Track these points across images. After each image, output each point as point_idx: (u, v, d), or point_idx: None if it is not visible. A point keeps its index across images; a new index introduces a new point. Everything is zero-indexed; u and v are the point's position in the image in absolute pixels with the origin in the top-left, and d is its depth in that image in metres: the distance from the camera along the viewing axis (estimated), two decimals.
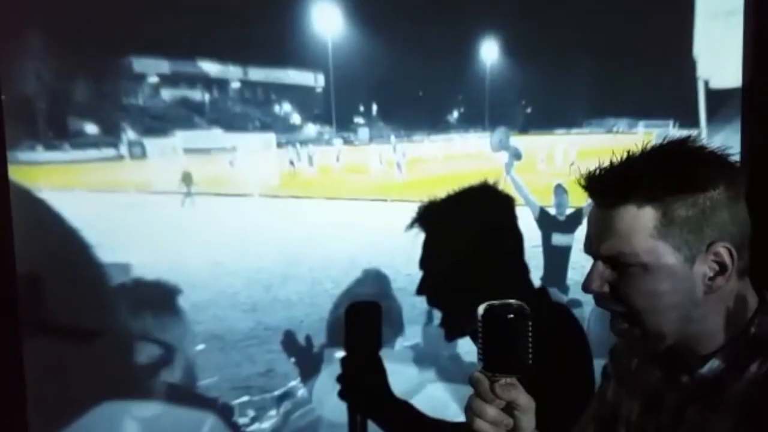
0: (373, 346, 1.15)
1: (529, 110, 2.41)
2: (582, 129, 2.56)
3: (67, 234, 1.74)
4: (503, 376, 0.71)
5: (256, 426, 2.10)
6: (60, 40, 1.65)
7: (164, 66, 1.80)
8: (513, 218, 1.27)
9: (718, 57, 2.25)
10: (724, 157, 0.78)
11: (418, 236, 1.27)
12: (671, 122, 2.88)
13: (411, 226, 1.28)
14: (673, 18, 2.31)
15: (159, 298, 1.84)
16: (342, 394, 1.15)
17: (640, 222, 0.74)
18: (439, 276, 1.24)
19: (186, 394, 1.93)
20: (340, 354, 1.56)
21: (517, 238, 1.27)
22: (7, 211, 1.50)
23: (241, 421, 2.06)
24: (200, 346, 2.00)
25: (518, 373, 0.72)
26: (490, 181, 1.30)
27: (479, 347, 0.72)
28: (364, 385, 1.13)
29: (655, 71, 2.33)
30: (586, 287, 0.78)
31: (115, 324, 1.79)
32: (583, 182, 0.79)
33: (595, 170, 0.79)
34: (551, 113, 2.46)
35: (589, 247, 0.79)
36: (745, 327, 0.77)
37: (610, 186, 0.77)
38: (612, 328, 0.81)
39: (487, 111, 2.42)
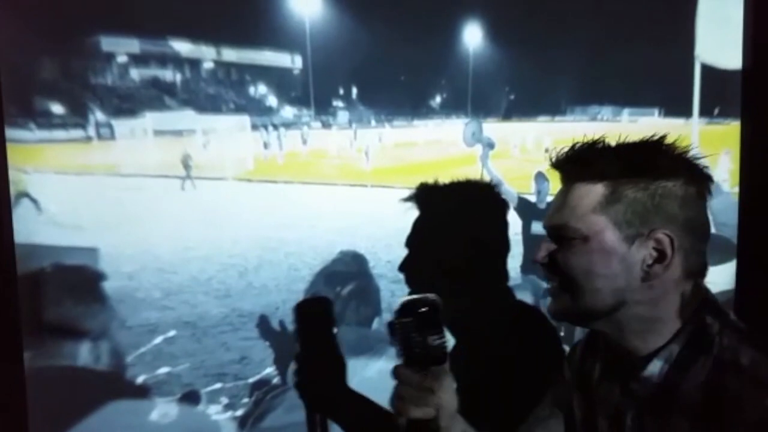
0: (327, 342, 1.13)
1: (512, 97, 2.38)
2: (565, 116, 2.54)
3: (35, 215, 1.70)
4: (424, 367, 0.76)
5: (229, 413, 2.08)
6: (27, 17, 1.59)
7: (134, 45, 1.75)
8: (505, 226, 1.27)
9: (716, 44, 2.23)
10: (692, 158, 0.78)
11: (400, 221, 1.26)
12: (656, 111, 2.87)
13: (407, 200, 1.27)
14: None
15: (126, 282, 1.81)
16: (299, 392, 1.12)
17: (589, 197, 0.76)
18: (423, 259, 1.20)
19: (155, 382, 1.90)
20: None
21: (504, 246, 1.25)
22: (7, 211, 1.48)
23: (213, 408, 2.04)
24: (171, 332, 1.97)
25: (437, 363, 0.76)
26: (493, 183, 1.28)
27: (399, 342, 0.76)
28: (320, 382, 1.11)
29: (645, 58, 2.31)
30: (533, 259, 0.82)
31: (84, 308, 1.76)
32: (551, 161, 0.82)
33: (561, 150, 0.82)
34: (534, 100, 2.43)
35: (545, 222, 0.82)
36: (685, 324, 0.77)
37: (569, 164, 0.79)
38: (549, 310, 0.83)
39: (470, 97, 2.38)
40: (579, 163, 0.79)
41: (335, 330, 1.13)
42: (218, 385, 2.03)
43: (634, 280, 0.76)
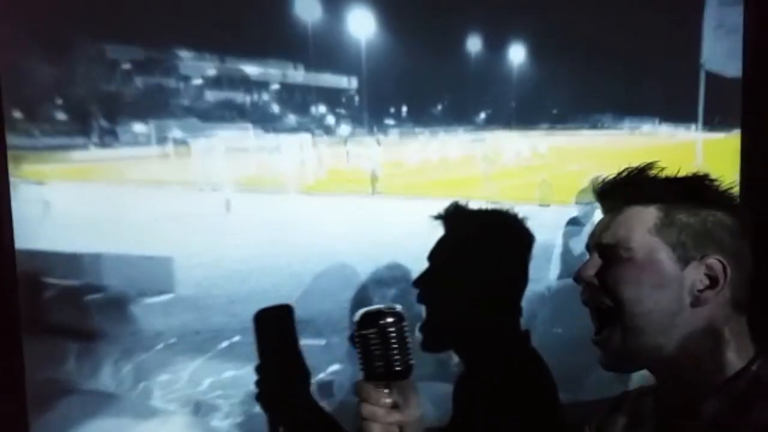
0: (290, 351, 1.07)
1: (555, 111, 2.46)
2: (566, 124, 2.58)
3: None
4: (386, 382, 0.70)
5: None
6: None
7: (210, 69, 1.88)
8: (527, 260, 1.22)
9: (722, 53, 2.26)
10: (735, 196, 0.79)
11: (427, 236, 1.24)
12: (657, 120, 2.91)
13: (438, 217, 1.27)
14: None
15: (196, 290, 1.91)
16: (260, 404, 1.06)
17: (642, 218, 0.77)
18: (439, 278, 1.17)
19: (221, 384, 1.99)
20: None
21: (524, 280, 1.22)
22: (8, 211, 1.49)
23: None
24: (236, 338, 2.07)
25: (400, 378, 0.70)
26: (523, 216, 1.23)
27: (360, 355, 0.70)
28: (282, 394, 1.06)
29: (654, 67, 2.35)
30: (578, 274, 0.78)
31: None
32: (594, 188, 0.80)
33: (606, 177, 0.81)
34: (578, 111, 2.50)
35: (590, 241, 0.81)
36: (745, 367, 0.75)
37: (618, 190, 0.79)
38: (594, 341, 0.80)
39: (513, 110, 2.47)
40: (632, 187, 0.78)
41: (298, 339, 1.08)
42: None
43: (684, 305, 0.75)
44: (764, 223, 0.85)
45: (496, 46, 2.34)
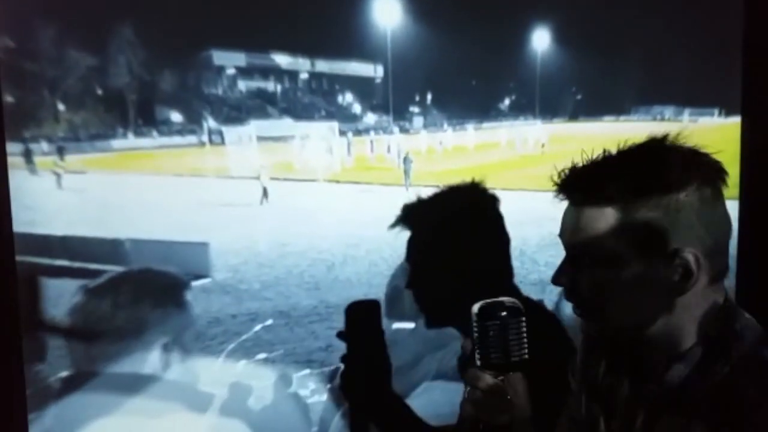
0: (375, 345, 1.09)
1: (579, 97, 2.47)
2: (630, 116, 2.61)
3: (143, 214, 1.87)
4: (500, 372, 0.71)
5: (315, 398, 2.23)
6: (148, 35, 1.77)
7: (241, 59, 1.92)
8: (500, 220, 1.22)
9: None
10: (700, 156, 0.73)
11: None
12: (716, 110, 2.89)
13: (395, 225, 1.24)
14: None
15: (231, 274, 1.96)
16: (344, 393, 1.10)
17: (604, 221, 0.73)
18: (426, 273, 1.20)
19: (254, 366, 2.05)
20: (397, 325, 1.64)
21: (503, 238, 1.22)
22: (8, 210, 1.51)
23: (302, 392, 2.18)
24: (269, 321, 2.12)
25: (515, 369, 0.72)
26: (477, 180, 1.24)
27: (478, 345, 0.71)
28: (365, 385, 1.09)
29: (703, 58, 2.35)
30: (554, 279, 0.77)
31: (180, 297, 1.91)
32: (555, 180, 0.75)
33: (566, 169, 0.82)
34: (600, 100, 2.51)
35: (561, 238, 0.77)
36: (705, 331, 0.73)
37: (577, 185, 0.75)
38: (582, 330, 0.79)
39: (538, 98, 2.48)
40: (587, 185, 0.74)
41: (383, 332, 1.13)
42: (307, 371, 2.17)
43: (661, 299, 0.73)
44: (765, 219, 0.80)
45: (559, 41, 2.34)
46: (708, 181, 0.70)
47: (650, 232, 0.71)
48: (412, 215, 1.17)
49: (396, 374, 1.25)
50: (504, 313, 0.71)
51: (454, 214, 1.15)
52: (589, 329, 0.76)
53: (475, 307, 0.71)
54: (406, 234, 1.47)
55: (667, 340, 0.73)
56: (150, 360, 1.76)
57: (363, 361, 0.97)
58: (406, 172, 2.13)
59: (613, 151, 0.74)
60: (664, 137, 0.69)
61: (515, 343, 0.71)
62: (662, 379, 0.73)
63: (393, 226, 1.17)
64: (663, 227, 0.71)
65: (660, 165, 0.71)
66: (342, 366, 1.06)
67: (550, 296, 2.23)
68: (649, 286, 0.71)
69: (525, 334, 0.71)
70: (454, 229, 1.13)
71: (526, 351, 0.71)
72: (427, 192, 1.18)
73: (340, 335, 1.04)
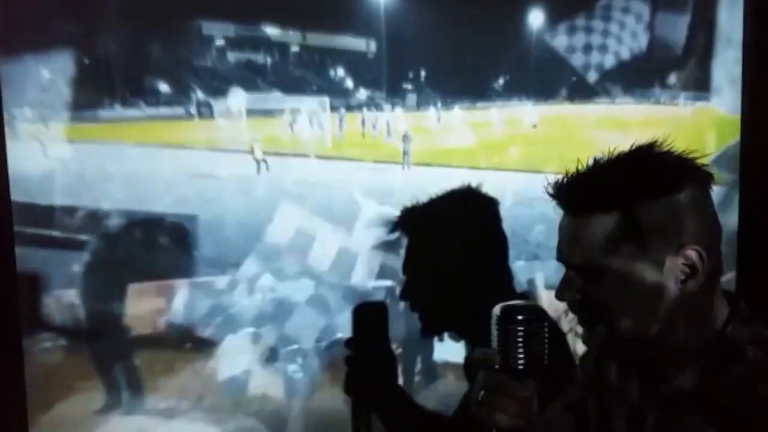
0: (381, 344, 1.13)
1: (574, 79, 2.45)
2: (624, 98, 2.59)
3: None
4: (521, 377, 0.73)
5: (301, 374, 2.23)
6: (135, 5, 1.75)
7: (230, 29, 1.90)
8: (498, 221, 1.23)
9: None
10: (690, 159, 0.77)
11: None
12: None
13: (392, 231, 1.25)
14: None
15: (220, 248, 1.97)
16: (348, 390, 1.14)
17: (606, 229, 0.75)
18: (422, 281, 1.21)
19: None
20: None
21: (502, 242, 1.23)
22: (8, 210, 1.49)
23: (290, 367, 2.19)
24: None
25: (535, 374, 0.74)
26: (474, 184, 1.24)
27: (500, 347, 0.73)
28: (370, 378, 1.12)
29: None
30: (558, 294, 0.79)
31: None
32: (549, 191, 0.80)
33: (561, 179, 0.79)
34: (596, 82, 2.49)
35: (560, 256, 0.80)
36: (718, 333, 0.77)
37: (574, 195, 0.78)
38: (586, 342, 0.83)
39: (533, 79, 2.47)
40: (585, 194, 0.77)
41: (389, 334, 1.15)
42: (295, 346, 2.19)
43: (668, 300, 0.76)
44: (765, 219, 0.84)
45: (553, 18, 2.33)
46: (700, 185, 0.75)
47: (654, 232, 0.73)
48: (409, 220, 1.17)
49: None
50: (528, 317, 0.73)
51: (451, 220, 1.16)
52: (594, 339, 0.81)
53: (497, 309, 0.73)
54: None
55: (677, 342, 0.77)
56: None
57: (369, 364, 1.10)
58: (406, 152, 2.13)
59: (604, 158, 0.78)
60: (653, 143, 0.74)
61: (538, 348, 0.73)
62: (674, 381, 0.77)
63: (391, 231, 1.17)
64: (666, 226, 0.73)
65: (656, 167, 0.74)
66: (348, 368, 1.07)
67: (538, 275, 2.23)
68: (656, 287, 0.74)
69: (547, 340, 0.73)
70: (452, 236, 1.16)
71: (547, 356, 0.74)
72: (424, 197, 1.17)
73: (348, 343, 1.07)
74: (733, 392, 0.73)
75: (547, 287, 2.19)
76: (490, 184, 1.31)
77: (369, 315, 1.15)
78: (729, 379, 0.74)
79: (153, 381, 1.93)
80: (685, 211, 0.75)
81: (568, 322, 2.07)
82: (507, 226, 1.30)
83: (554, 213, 0.86)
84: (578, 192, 0.77)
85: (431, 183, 2.32)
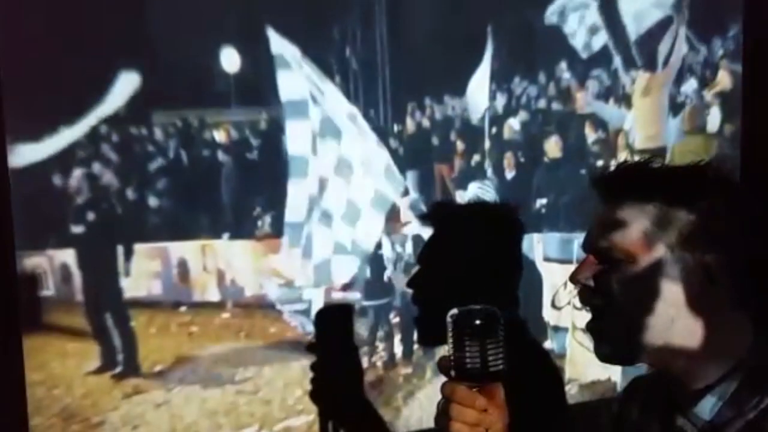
0: (346, 350, 1.12)
1: None
2: None
3: None
4: (478, 384, 0.70)
5: None
6: None
7: None
8: (520, 249, 1.23)
9: None
10: (737, 183, 0.78)
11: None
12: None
13: (423, 217, 1.26)
14: None
15: None
16: (314, 400, 1.11)
17: (639, 217, 0.75)
18: (433, 277, 1.19)
19: None
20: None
21: (517, 272, 1.22)
22: (8, 210, 1.47)
23: None
24: None
25: (492, 380, 0.70)
26: (513, 205, 1.24)
27: (453, 354, 0.70)
28: (335, 390, 1.10)
29: None
30: (573, 276, 0.77)
31: None
32: (593, 180, 0.80)
33: (605, 168, 0.92)
34: None
35: (586, 241, 0.79)
36: (740, 361, 0.74)
37: (615, 182, 0.78)
38: (587, 326, 0.80)
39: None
40: (630, 182, 0.76)
41: (354, 338, 1.12)
42: None
43: (683, 306, 0.74)
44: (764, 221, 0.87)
45: None
46: (741, 206, 0.75)
47: (685, 233, 0.73)
48: (438, 216, 1.24)
49: None
50: (481, 321, 0.69)
51: (480, 229, 1.17)
52: (602, 348, 0.75)
53: (451, 314, 0.70)
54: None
55: (693, 368, 0.74)
56: None
57: (335, 369, 1.06)
58: None
59: (649, 158, 0.78)
60: (709, 162, 0.75)
61: (492, 352, 0.68)
62: (692, 411, 0.73)
63: (421, 218, 1.20)
64: (697, 230, 0.73)
65: (701, 172, 0.76)
66: (312, 374, 1.08)
67: None
68: (675, 289, 0.72)
69: (502, 343, 0.69)
70: (475, 246, 1.16)
71: (503, 361, 0.69)
72: (461, 199, 1.18)
73: (311, 348, 1.11)
74: (755, 425, 0.70)
75: None
76: None
77: (334, 318, 1.14)
78: (753, 411, 0.71)
79: None
80: (722, 223, 0.74)
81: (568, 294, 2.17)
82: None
83: None
84: (619, 179, 0.78)
85: None
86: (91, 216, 1.84)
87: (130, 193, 1.92)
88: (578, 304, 0.81)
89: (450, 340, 0.70)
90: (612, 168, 0.78)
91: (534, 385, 1.02)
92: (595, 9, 2.44)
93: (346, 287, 2.16)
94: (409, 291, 1.26)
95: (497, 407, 0.71)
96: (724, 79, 2.37)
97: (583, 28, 2.39)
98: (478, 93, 2.32)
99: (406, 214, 2.19)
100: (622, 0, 2.43)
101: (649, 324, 0.73)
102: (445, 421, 0.71)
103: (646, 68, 2.48)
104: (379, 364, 2.21)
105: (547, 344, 2.37)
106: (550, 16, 2.37)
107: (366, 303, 2.17)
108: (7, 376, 1.46)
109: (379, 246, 2.22)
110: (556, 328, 2.38)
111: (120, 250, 1.91)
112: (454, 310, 0.70)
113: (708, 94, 2.41)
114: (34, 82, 1.69)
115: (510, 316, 1.16)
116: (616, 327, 0.74)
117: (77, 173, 1.82)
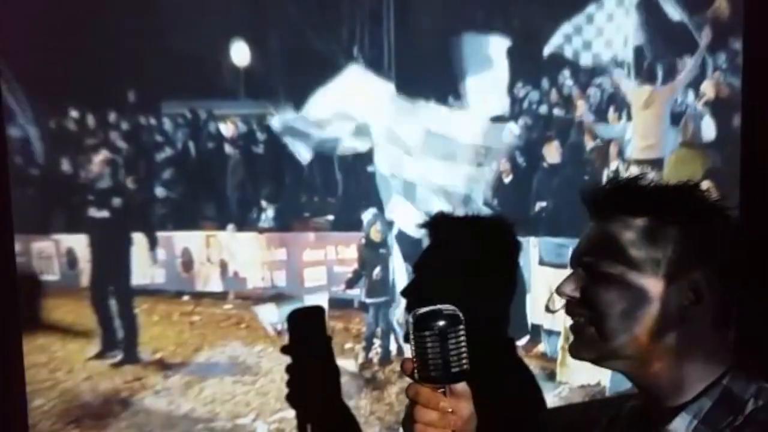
0: (321, 352, 1.11)
1: None
2: None
3: None
4: (441, 385, 0.69)
5: None
6: None
7: None
8: (515, 269, 1.26)
9: None
10: (727, 205, 0.78)
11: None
12: None
13: (424, 226, 1.24)
14: None
15: None
16: (290, 403, 1.10)
17: (627, 231, 0.76)
18: (428, 286, 1.18)
19: None
20: None
21: (512, 289, 1.24)
22: (8, 210, 1.43)
23: None
24: None
25: (456, 381, 0.70)
26: (511, 221, 1.25)
27: (415, 356, 0.69)
28: (312, 393, 1.08)
29: None
30: (559, 289, 0.78)
31: None
32: (583, 196, 0.80)
33: (595, 184, 0.82)
34: None
35: (574, 256, 0.80)
36: (716, 381, 0.74)
37: (604, 198, 0.79)
38: (571, 344, 0.80)
39: None
40: (621, 197, 0.77)
41: (330, 339, 1.12)
42: None
43: (669, 322, 0.74)
44: (764, 226, 0.85)
45: None
46: (729, 227, 0.75)
47: (673, 249, 0.73)
48: (439, 226, 1.22)
49: None
50: (442, 322, 0.68)
51: (477, 243, 1.16)
52: (582, 345, 0.76)
53: (411, 315, 0.68)
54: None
55: (670, 384, 0.74)
56: None
57: (310, 370, 1.04)
58: None
59: (644, 174, 0.78)
60: (697, 183, 0.75)
61: (454, 353, 0.68)
62: (666, 428, 0.73)
63: (421, 226, 1.22)
64: (685, 247, 0.73)
65: (692, 190, 0.76)
66: (288, 376, 1.02)
67: None
68: (661, 304, 0.72)
69: (464, 344, 0.69)
70: (471, 259, 1.15)
71: (466, 361, 0.69)
72: (463, 213, 1.21)
73: (285, 350, 1.10)
74: None
75: None
76: None
77: (306, 320, 1.14)
78: (727, 429, 0.72)
79: None
80: (710, 241, 0.75)
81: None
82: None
83: None
84: (608, 196, 0.79)
85: None
86: (105, 203, 1.85)
87: (138, 183, 1.93)
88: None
89: (412, 342, 0.69)
90: (602, 184, 0.79)
91: (514, 404, 1.02)
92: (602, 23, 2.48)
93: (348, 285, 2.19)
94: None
95: (463, 408, 0.70)
96: (720, 91, 2.43)
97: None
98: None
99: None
100: (630, 15, 2.47)
101: (631, 337, 0.74)
102: (409, 423, 0.71)
103: (649, 81, 2.52)
104: (375, 360, 2.26)
105: (540, 347, 2.40)
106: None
107: (368, 300, 2.22)
108: (7, 376, 1.46)
109: (381, 245, 2.25)
110: (549, 332, 2.43)
111: (134, 238, 1.94)
112: (415, 312, 0.69)
113: (699, 104, 2.47)
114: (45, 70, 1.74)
115: (500, 336, 1.19)
116: (597, 338, 0.75)
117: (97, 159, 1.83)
